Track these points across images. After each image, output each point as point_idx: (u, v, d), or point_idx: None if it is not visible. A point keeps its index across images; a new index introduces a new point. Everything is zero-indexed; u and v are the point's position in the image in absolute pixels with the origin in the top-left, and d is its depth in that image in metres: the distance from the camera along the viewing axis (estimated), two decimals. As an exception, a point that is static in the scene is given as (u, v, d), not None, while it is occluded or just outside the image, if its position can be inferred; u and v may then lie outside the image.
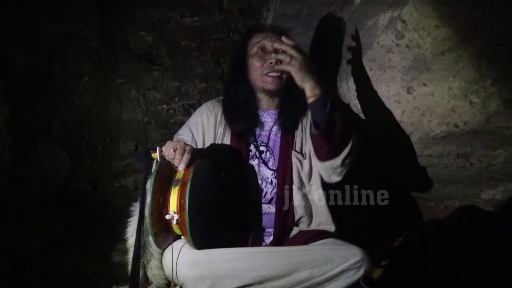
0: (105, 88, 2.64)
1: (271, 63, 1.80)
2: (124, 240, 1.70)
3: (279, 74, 1.81)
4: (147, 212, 1.43)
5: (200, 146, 1.85)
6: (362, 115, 2.03)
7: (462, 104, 1.72)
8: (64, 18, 2.56)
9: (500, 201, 2.05)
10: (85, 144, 2.60)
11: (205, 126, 1.88)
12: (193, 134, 1.86)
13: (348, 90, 2.02)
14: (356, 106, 2.00)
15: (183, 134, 1.88)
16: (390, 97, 1.87)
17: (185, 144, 1.58)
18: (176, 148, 1.54)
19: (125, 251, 1.70)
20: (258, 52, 1.85)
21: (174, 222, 1.47)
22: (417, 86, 1.79)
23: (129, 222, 1.67)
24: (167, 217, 1.47)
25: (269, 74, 1.82)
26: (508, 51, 1.61)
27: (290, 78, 1.81)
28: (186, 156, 1.54)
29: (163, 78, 2.72)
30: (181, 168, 1.53)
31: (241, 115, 1.87)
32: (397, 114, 1.88)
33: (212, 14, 2.79)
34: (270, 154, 1.88)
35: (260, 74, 1.83)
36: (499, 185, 2.02)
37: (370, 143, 2.16)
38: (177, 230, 1.51)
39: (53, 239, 2.30)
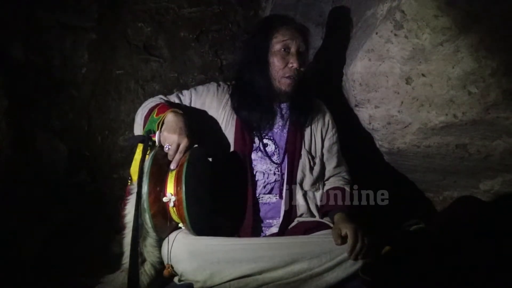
0: (103, 79, 2.63)
1: (292, 66, 1.82)
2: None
3: (298, 77, 1.84)
4: (144, 195, 1.43)
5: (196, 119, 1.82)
6: (361, 107, 2.02)
7: (460, 95, 1.73)
8: (62, 10, 2.55)
9: (499, 192, 2.05)
10: (84, 136, 2.59)
11: (207, 106, 1.88)
12: (191, 101, 1.89)
13: (346, 80, 2.02)
14: (355, 96, 2.00)
15: (185, 96, 1.90)
16: (389, 87, 1.86)
17: (180, 140, 1.55)
18: (170, 146, 1.54)
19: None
20: (281, 51, 1.83)
21: (171, 204, 1.48)
22: (415, 77, 1.79)
23: (128, 199, 1.64)
24: (164, 199, 1.48)
25: (289, 77, 1.83)
26: (507, 41, 1.61)
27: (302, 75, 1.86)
28: (178, 156, 1.54)
29: (161, 69, 2.70)
30: (172, 167, 1.53)
31: (251, 105, 1.85)
32: (395, 104, 1.88)
33: (211, 5, 2.77)
34: (275, 147, 1.87)
35: (280, 76, 1.84)
36: (497, 175, 2.02)
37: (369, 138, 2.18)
38: (174, 216, 1.51)
39: (52, 231, 2.30)
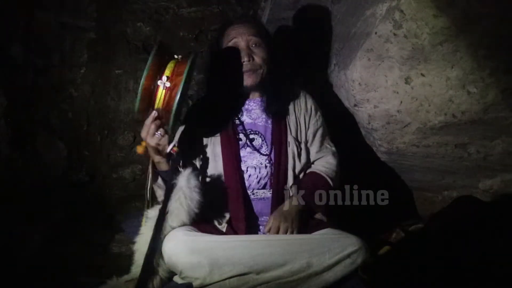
0: (102, 79, 2.63)
1: (243, 62, 1.85)
2: (122, 231, 1.70)
3: (255, 68, 1.87)
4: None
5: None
6: (360, 107, 2.02)
7: (460, 94, 1.73)
8: (62, 9, 2.55)
9: (498, 192, 2.06)
10: (83, 135, 2.59)
11: None
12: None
13: (346, 80, 2.02)
14: (354, 96, 2.00)
15: None
16: (388, 87, 1.87)
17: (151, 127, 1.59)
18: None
19: (124, 242, 1.70)
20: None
21: (162, 87, 1.49)
22: (415, 76, 1.79)
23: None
24: (159, 82, 1.49)
25: (246, 72, 1.86)
26: (506, 41, 1.62)
27: (270, 68, 1.90)
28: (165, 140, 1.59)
29: (161, 69, 2.70)
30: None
31: (226, 108, 1.88)
32: (395, 104, 1.88)
33: (210, 4, 2.77)
34: (262, 140, 1.89)
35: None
36: (496, 175, 2.03)
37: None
38: (159, 102, 1.52)
39: (51, 231, 2.30)
